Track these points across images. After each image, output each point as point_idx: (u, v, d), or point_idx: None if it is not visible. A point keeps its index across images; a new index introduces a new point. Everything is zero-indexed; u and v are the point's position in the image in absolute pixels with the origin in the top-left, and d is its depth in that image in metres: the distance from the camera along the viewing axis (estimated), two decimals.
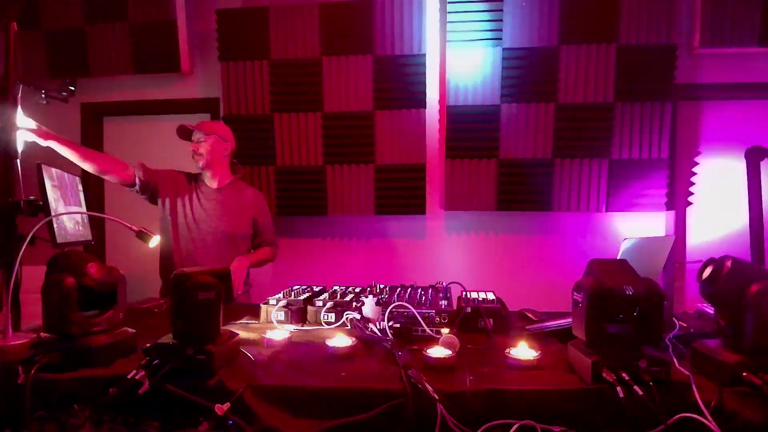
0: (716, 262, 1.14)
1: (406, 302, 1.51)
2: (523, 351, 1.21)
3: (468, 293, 1.73)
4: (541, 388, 1.05)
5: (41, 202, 1.52)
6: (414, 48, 2.93)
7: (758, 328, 1.05)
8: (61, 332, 1.18)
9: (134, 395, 1.02)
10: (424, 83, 2.95)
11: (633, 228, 2.92)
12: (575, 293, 1.14)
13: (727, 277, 1.11)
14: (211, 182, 2.39)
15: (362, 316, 1.47)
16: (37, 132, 1.86)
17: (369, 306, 1.49)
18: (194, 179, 2.42)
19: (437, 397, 0.99)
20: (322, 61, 2.99)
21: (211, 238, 2.28)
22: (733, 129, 2.93)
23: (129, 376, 1.03)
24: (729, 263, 1.11)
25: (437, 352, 1.19)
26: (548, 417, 1.01)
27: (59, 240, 1.65)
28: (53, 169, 1.72)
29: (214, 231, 2.29)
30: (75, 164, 2.18)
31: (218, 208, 2.32)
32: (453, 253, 3.07)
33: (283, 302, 1.63)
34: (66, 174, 1.83)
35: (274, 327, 1.54)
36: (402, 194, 3.00)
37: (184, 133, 2.38)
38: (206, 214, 2.31)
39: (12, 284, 1.34)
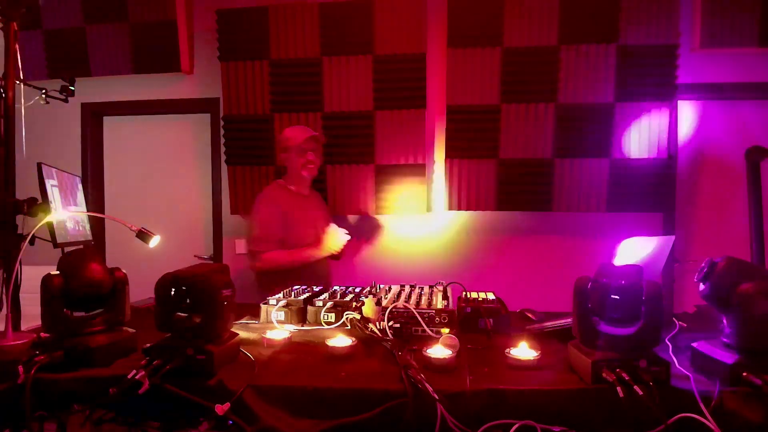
0: (711, 261, 1.14)
1: (406, 302, 1.51)
2: (523, 351, 1.21)
3: (468, 293, 1.73)
4: (541, 388, 1.05)
5: (41, 202, 1.52)
6: (414, 48, 2.93)
7: (747, 328, 1.05)
8: (53, 331, 1.19)
9: (134, 395, 1.02)
10: (424, 83, 2.95)
11: (633, 228, 2.93)
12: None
13: (719, 276, 1.11)
14: (303, 190, 2.49)
15: (362, 316, 1.47)
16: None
17: (369, 306, 1.49)
18: (286, 191, 2.46)
19: (437, 397, 0.99)
20: (322, 61, 2.99)
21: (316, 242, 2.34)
22: (733, 129, 2.93)
23: (129, 376, 1.03)
24: (722, 263, 1.12)
25: (437, 352, 1.19)
26: (548, 417, 1.01)
27: (59, 240, 1.65)
28: (53, 169, 1.73)
29: (316, 236, 2.34)
30: (75, 164, 2.18)
31: (314, 213, 2.48)
32: (453, 253, 3.07)
33: (283, 302, 1.63)
34: (66, 174, 1.84)
35: (274, 327, 1.53)
36: (402, 194, 3.00)
37: (311, 142, 2.42)
38: (309, 221, 2.40)
39: (12, 284, 1.34)
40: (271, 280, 2.19)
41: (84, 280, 1.20)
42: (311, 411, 1.05)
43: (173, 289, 1.16)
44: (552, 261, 2.98)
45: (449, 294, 1.77)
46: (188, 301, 1.15)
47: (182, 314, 1.18)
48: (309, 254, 2.27)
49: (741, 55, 2.82)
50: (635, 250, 1.58)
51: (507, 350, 1.22)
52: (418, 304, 1.58)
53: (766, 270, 1.10)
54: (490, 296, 1.71)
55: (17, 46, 1.50)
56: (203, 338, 1.14)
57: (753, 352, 1.04)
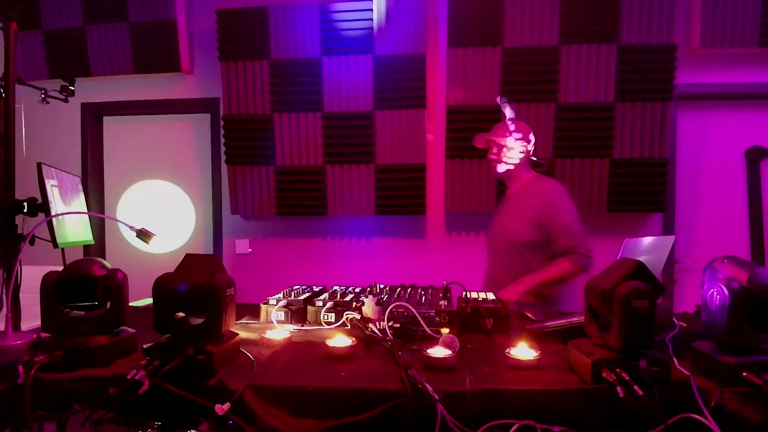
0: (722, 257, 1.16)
1: (406, 302, 1.51)
2: (523, 351, 1.21)
3: (468, 293, 1.73)
4: (541, 388, 1.05)
5: (41, 202, 1.52)
6: (414, 48, 2.93)
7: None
8: (53, 331, 1.19)
9: (134, 395, 1.02)
10: (424, 83, 2.95)
11: (633, 228, 2.92)
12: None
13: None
14: (508, 188, 2.29)
15: (362, 316, 1.47)
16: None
17: (369, 306, 1.49)
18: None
19: (437, 397, 0.99)
20: (321, 61, 2.99)
21: (501, 248, 2.22)
22: (733, 129, 2.93)
23: (129, 376, 1.03)
24: (724, 260, 1.13)
25: (437, 352, 1.19)
26: (548, 417, 1.01)
27: (59, 240, 1.65)
28: (53, 169, 1.72)
29: (500, 240, 2.23)
30: (75, 164, 2.17)
31: (506, 214, 2.23)
32: (453, 253, 3.07)
33: (283, 302, 1.63)
34: (66, 174, 1.84)
35: (274, 327, 1.53)
36: (402, 194, 3.01)
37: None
38: (498, 222, 2.28)
39: (12, 284, 1.34)
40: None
41: (84, 280, 1.20)
42: (311, 411, 1.05)
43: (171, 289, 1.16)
44: None
45: (449, 294, 1.77)
46: (190, 300, 1.14)
47: (181, 314, 1.17)
48: None
49: (741, 55, 2.83)
50: (635, 250, 1.58)
51: (507, 350, 1.22)
52: (418, 304, 1.58)
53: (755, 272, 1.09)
54: (490, 296, 1.71)
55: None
56: (203, 338, 1.14)
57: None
